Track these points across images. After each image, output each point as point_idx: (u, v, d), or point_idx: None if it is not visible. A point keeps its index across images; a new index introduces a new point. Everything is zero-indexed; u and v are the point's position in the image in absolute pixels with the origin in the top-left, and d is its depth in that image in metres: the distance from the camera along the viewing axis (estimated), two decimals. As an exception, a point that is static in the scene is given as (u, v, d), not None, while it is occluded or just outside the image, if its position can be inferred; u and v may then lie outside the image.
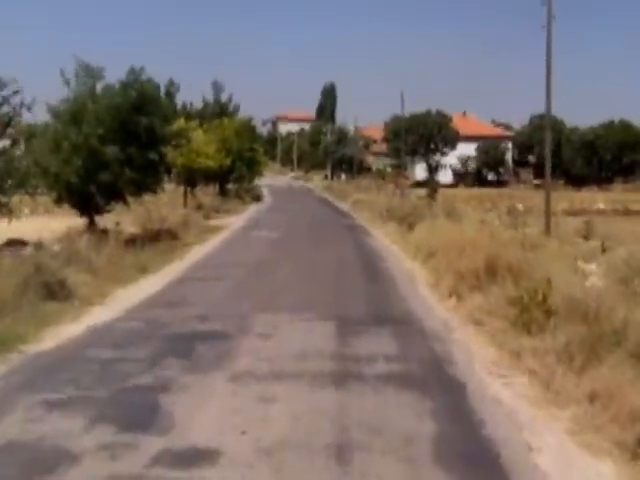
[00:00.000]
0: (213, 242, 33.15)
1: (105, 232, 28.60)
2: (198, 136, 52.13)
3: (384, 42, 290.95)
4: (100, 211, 30.19)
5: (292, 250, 29.51)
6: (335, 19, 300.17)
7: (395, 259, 27.04)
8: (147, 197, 56.41)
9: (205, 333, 14.28)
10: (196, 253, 28.64)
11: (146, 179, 30.15)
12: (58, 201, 29.72)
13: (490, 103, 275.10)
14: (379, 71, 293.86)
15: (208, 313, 16.14)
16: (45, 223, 31.93)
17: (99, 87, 29.87)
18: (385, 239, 34.42)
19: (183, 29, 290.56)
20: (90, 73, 29.59)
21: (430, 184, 76.13)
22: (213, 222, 43.74)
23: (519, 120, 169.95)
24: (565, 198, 76.72)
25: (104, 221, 31.10)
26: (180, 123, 51.12)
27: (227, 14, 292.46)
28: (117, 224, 31.90)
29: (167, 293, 19.39)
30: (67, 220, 30.83)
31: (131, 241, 27.65)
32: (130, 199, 31.19)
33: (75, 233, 29.06)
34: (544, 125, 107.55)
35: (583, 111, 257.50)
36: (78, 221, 30.33)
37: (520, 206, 65.62)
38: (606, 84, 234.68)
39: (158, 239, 29.99)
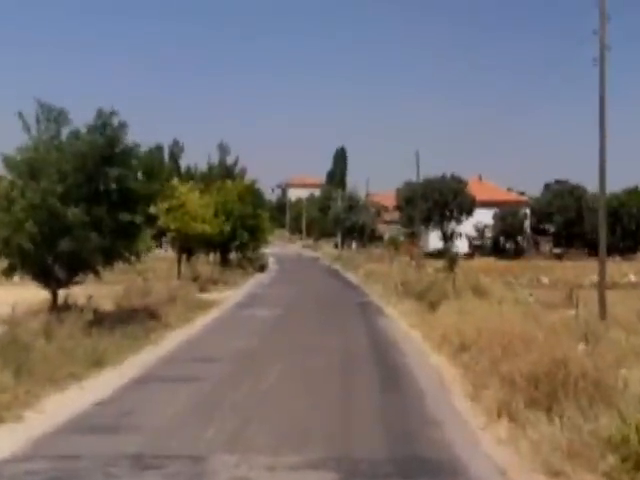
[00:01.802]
0: (199, 323, 28.26)
1: (69, 309, 24.06)
2: (193, 198, 47.43)
3: (396, 107, 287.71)
4: (64, 284, 25.21)
5: (289, 338, 24.35)
6: (346, 82, 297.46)
7: (417, 351, 21.84)
8: (141, 265, 53.14)
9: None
10: (174, 339, 23.71)
11: (118, 246, 25.23)
12: (9, 271, 24.68)
13: (504, 169, 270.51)
14: (391, 135, 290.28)
15: (147, 449, 10.99)
16: (6, 293, 27.64)
17: (64, 134, 25.09)
18: (402, 321, 29.32)
19: (189, 92, 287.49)
20: (53, 117, 24.86)
21: (448, 255, 71.16)
22: (207, 296, 38.92)
23: (532, 187, 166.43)
24: (590, 269, 72.13)
25: (76, 294, 26.50)
26: (173, 183, 46.83)
27: (235, 79, 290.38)
28: (89, 298, 27.29)
29: (110, 404, 14.30)
30: (34, 291, 26.21)
31: (98, 321, 22.77)
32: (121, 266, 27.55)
33: (36, 309, 24.55)
34: (564, 191, 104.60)
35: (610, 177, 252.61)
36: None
37: (545, 279, 61.08)
38: (630, 148, 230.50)
39: (133, 319, 25.13)
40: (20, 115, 24.43)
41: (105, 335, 21.29)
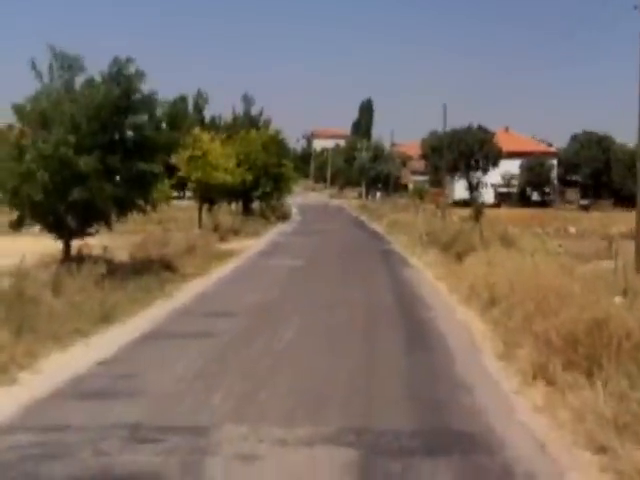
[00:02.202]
0: (218, 274, 27.15)
1: (83, 260, 22.84)
2: (215, 148, 46.28)
3: (423, 58, 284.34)
4: (77, 235, 24.21)
5: (310, 290, 23.29)
6: (373, 34, 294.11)
7: (443, 305, 20.70)
8: (162, 214, 52.33)
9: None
10: (190, 290, 22.67)
11: (132, 196, 24.21)
12: (18, 223, 23.66)
13: (530, 120, 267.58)
14: (417, 87, 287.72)
15: (146, 419, 9.92)
16: (19, 244, 26.27)
17: (78, 82, 23.96)
18: (428, 272, 28.17)
19: (214, 41, 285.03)
20: (67, 64, 23.71)
21: (475, 204, 69.87)
22: (228, 246, 37.89)
23: (559, 139, 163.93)
24: (618, 220, 70.87)
25: (93, 245, 25.72)
26: (195, 133, 45.73)
27: (261, 29, 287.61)
28: (105, 249, 26.34)
29: (114, 364, 13.21)
30: (48, 242, 25.12)
31: (111, 273, 21.76)
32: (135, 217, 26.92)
33: (48, 261, 23.62)
34: (592, 142, 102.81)
35: (632, 126, 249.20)
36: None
37: (572, 229, 59.90)
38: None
39: (148, 270, 24.14)
40: (32, 63, 23.40)
41: (117, 288, 20.24)
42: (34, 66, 23.34)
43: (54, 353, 13.95)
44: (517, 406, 10.91)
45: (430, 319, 18.19)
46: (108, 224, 24.55)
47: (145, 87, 24.23)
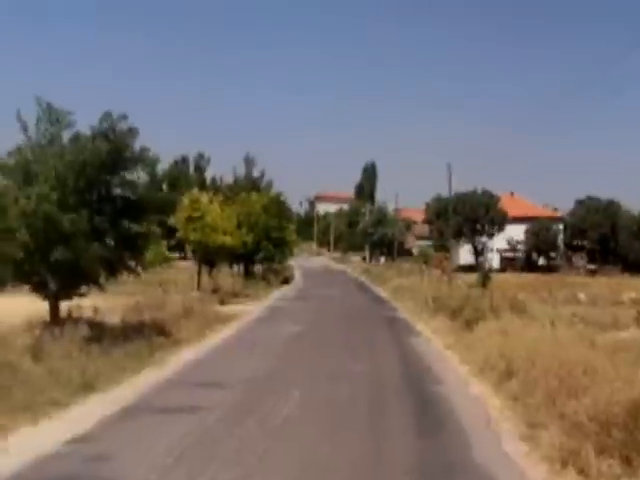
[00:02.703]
0: (214, 340, 25.68)
1: (71, 323, 21.60)
2: (214, 209, 45.06)
3: (427, 123, 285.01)
4: (63, 296, 22.79)
5: (310, 360, 21.72)
6: (377, 99, 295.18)
7: (455, 377, 19.07)
8: (163, 275, 51.03)
9: None
10: (181, 359, 21.13)
11: (122, 257, 22.89)
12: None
13: (534, 185, 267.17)
14: (421, 151, 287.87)
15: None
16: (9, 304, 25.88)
17: (65, 137, 22.70)
18: (436, 340, 26.62)
19: (216, 104, 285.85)
20: (55, 118, 22.49)
21: (482, 269, 68.47)
22: (227, 309, 36.44)
23: (564, 205, 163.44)
24: (627, 286, 69.66)
25: (86, 306, 24.74)
26: (193, 193, 44.67)
27: (263, 95, 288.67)
28: (95, 311, 25.29)
29: (86, 443, 11.63)
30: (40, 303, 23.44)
31: (99, 338, 20.34)
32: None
33: (35, 322, 22.28)
34: (598, 207, 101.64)
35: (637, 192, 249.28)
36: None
37: (582, 296, 58.42)
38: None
39: (140, 334, 22.72)
40: (18, 115, 22.18)
41: (104, 354, 18.96)
42: (19, 118, 22.15)
43: (24, 427, 12.60)
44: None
45: (441, 394, 16.56)
46: (97, 285, 23.19)
47: (137, 144, 23.11)
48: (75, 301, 23.78)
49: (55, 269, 21.14)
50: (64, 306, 23.27)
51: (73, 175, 21.52)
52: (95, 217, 21.39)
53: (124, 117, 22.72)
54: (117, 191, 23.00)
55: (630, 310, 44.92)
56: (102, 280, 23.16)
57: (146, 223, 23.77)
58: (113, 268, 22.98)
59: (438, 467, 10.82)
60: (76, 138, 22.54)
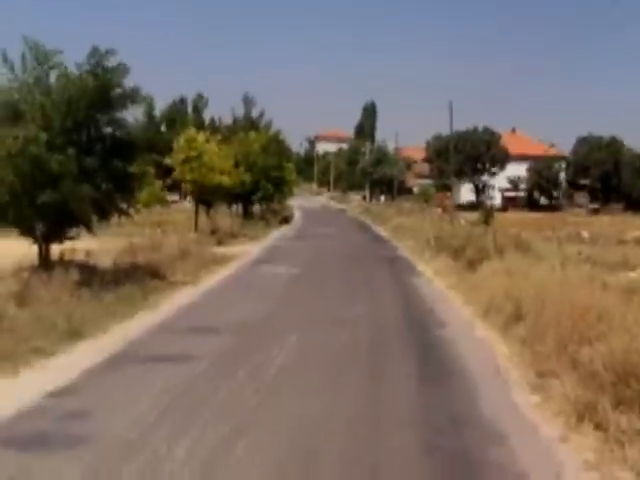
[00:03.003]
0: (210, 282, 24.84)
1: (62, 266, 20.76)
2: (211, 149, 44.05)
3: (427, 61, 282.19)
4: (54, 239, 22.01)
5: (308, 302, 20.87)
6: (377, 37, 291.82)
7: (459, 320, 18.25)
8: (162, 216, 50.33)
9: None
10: (175, 302, 20.34)
11: (113, 198, 22.06)
12: (-14, 226, 21.53)
13: (535, 122, 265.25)
14: (421, 89, 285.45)
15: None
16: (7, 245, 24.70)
17: (53, 76, 21.72)
18: (438, 280, 25.82)
19: (215, 43, 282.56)
20: (42, 57, 21.50)
21: (484, 207, 67.62)
22: (224, 250, 35.61)
23: (566, 141, 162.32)
24: (630, 224, 69.00)
25: (81, 248, 23.93)
26: (189, 133, 43.63)
27: (262, 33, 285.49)
28: (88, 254, 24.50)
29: (67, 396, 10.87)
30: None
31: (89, 282, 19.53)
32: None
33: (27, 266, 21.34)
34: (601, 144, 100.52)
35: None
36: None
37: (585, 234, 57.71)
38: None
39: (134, 277, 21.99)
40: (4, 54, 21.19)
41: (95, 298, 18.22)
42: (5, 58, 21.17)
43: (2, 378, 11.84)
44: (566, 464, 8.52)
45: (445, 339, 15.72)
46: (88, 228, 22.39)
47: (129, 82, 22.15)
48: (70, 244, 22.98)
49: (43, 212, 20.32)
50: (56, 249, 22.46)
51: (60, 114, 20.66)
52: (84, 157, 20.53)
53: (112, 53, 21.73)
54: (107, 130, 22.18)
55: (635, 249, 44.37)
56: (94, 222, 22.46)
57: (138, 163, 23.03)
58: (104, 210, 22.13)
59: (444, 420, 9.99)
60: (63, 76, 21.61)
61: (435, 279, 26.44)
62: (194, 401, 10.61)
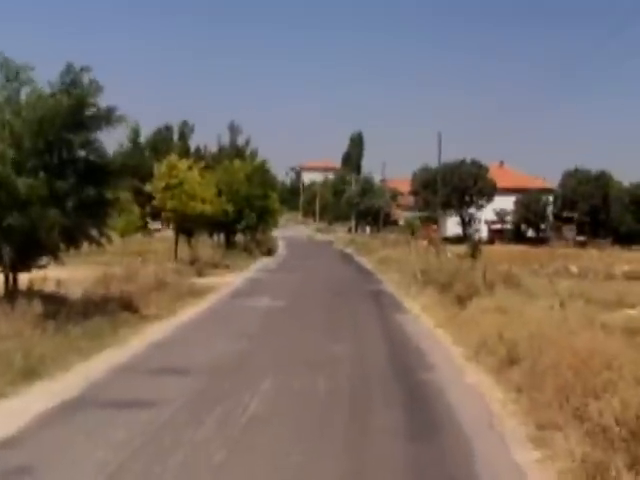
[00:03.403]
0: (185, 316, 23.61)
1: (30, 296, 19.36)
2: (193, 177, 42.86)
3: (415, 92, 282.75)
4: (20, 267, 20.81)
5: (288, 340, 19.63)
6: (364, 67, 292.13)
7: (448, 362, 16.87)
8: (143, 246, 49.13)
9: None
10: (146, 337, 19.09)
11: (83, 225, 20.84)
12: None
13: (524, 156, 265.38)
14: (408, 121, 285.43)
15: None
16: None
17: (24, 94, 20.62)
18: (426, 318, 24.57)
19: (201, 74, 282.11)
20: (12, 73, 20.41)
21: (471, 241, 66.61)
22: (204, 281, 34.47)
23: (553, 176, 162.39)
24: (617, 258, 68.25)
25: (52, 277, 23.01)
26: (171, 159, 42.52)
27: (250, 64, 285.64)
28: (59, 284, 23.54)
29: (9, 450, 9.57)
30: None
31: (55, 314, 18.29)
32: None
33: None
34: (589, 178, 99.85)
35: (634, 165, 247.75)
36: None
37: (574, 269, 56.84)
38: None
39: (104, 309, 20.74)
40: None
41: (60, 332, 16.95)
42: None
43: None
44: None
45: (434, 384, 14.43)
46: (55, 257, 21.19)
47: (103, 102, 21.05)
48: (42, 272, 22.03)
49: (9, 237, 19.14)
50: (25, 278, 21.37)
51: (31, 134, 19.54)
52: (55, 181, 19.36)
53: (87, 70, 20.71)
54: (80, 153, 21.04)
55: (625, 284, 43.39)
56: (62, 251, 21.28)
57: (112, 189, 21.85)
58: (73, 238, 20.95)
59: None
60: (35, 94, 20.49)
61: (422, 316, 25.21)
62: (151, 459, 9.27)
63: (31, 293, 20.56)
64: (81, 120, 20.46)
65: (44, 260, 21.41)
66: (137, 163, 26.05)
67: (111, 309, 21.15)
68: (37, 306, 18.37)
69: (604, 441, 9.12)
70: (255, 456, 9.63)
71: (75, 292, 23.20)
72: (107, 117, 21.04)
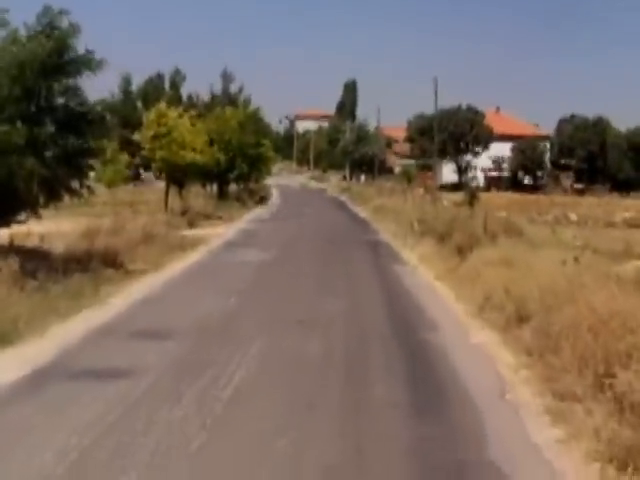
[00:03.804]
0: (172, 270, 22.46)
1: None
2: (183, 125, 41.47)
3: (409, 39, 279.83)
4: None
5: (280, 295, 18.54)
6: (358, 14, 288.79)
7: (451, 320, 15.81)
8: (135, 196, 48.08)
9: None
10: (129, 295, 17.93)
11: (63, 176, 19.66)
12: None
13: (520, 103, 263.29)
14: (403, 68, 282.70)
15: None
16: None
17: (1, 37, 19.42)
18: (424, 270, 23.50)
19: (194, 20, 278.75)
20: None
21: (468, 188, 65.49)
22: (194, 233, 33.35)
23: (548, 120, 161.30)
24: (616, 205, 67.47)
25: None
26: (160, 108, 41.15)
27: (242, 10, 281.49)
28: (41, 239, 22.47)
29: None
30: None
31: (33, 271, 17.14)
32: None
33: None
34: (586, 124, 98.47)
35: (630, 111, 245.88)
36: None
37: (573, 216, 55.96)
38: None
39: (86, 265, 19.59)
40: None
41: (40, 291, 15.86)
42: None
43: None
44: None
45: (436, 345, 13.34)
46: (34, 210, 20.07)
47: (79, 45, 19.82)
48: (27, 226, 21.24)
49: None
50: (5, 233, 20.32)
51: (8, 80, 18.34)
52: (32, 129, 18.18)
53: (66, 12, 19.47)
54: (60, 100, 19.83)
55: (627, 231, 42.47)
56: (43, 204, 20.21)
57: (94, 138, 20.63)
58: (52, 189, 19.78)
59: (445, 474, 7.74)
60: (10, 37, 19.24)
61: (420, 267, 24.16)
62: (118, 447, 8.12)
63: (12, 249, 19.46)
64: (61, 65, 19.27)
65: (23, 215, 20.32)
66: (122, 110, 24.63)
67: (94, 265, 20.00)
68: (14, 263, 17.24)
69: (635, 418, 8.05)
70: (240, 438, 8.53)
71: (59, 247, 22.10)
72: (87, 61, 19.83)
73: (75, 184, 20.58)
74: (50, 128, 18.90)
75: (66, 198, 21.08)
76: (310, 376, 11.23)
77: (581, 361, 10.06)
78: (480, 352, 12.93)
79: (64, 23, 19.38)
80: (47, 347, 12.55)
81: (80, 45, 19.75)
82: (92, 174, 29.31)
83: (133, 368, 11.20)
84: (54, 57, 18.99)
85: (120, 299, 17.40)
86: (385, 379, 11.16)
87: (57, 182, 19.62)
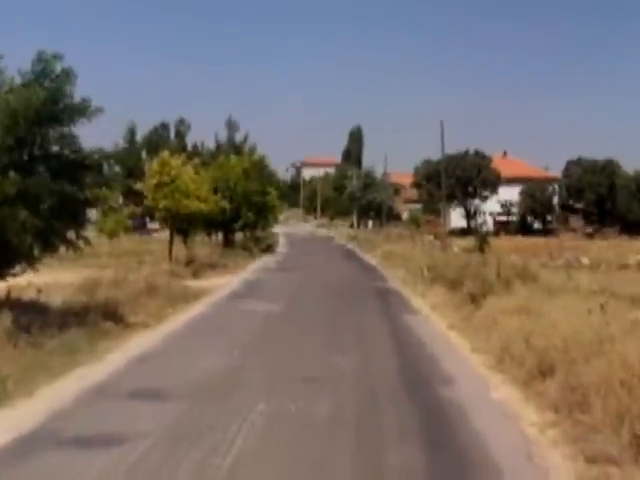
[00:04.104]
0: (174, 324, 21.57)
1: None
2: (186, 173, 40.77)
3: (415, 87, 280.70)
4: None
5: (287, 350, 17.57)
6: (363, 61, 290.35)
7: (468, 373, 14.80)
8: (140, 245, 47.41)
9: None
10: (127, 351, 17.01)
11: (58, 227, 18.89)
12: None
13: (527, 146, 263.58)
14: (408, 116, 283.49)
15: None
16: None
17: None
18: (437, 318, 22.58)
19: (200, 72, 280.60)
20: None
21: (478, 233, 64.74)
22: (199, 283, 32.56)
23: (556, 164, 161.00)
24: (627, 248, 66.57)
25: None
26: (163, 156, 40.53)
27: (248, 60, 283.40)
28: (39, 292, 21.37)
29: None
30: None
31: (27, 326, 16.40)
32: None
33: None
34: (595, 167, 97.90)
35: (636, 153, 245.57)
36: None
37: (585, 260, 55.10)
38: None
39: (83, 319, 18.85)
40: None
41: (34, 346, 15.19)
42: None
43: None
44: None
45: (454, 402, 12.36)
46: (30, 263, 19.28)
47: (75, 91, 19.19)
48: (27, 278, 20.58)
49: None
50: (2, 286, 19.60)
51: (2, 130, 17.67)
52: (26, 179, 17.47)
53: (60, 57, 18.82)
54: (54, 148, 19.15)
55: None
56: (39, 255, 19.39)
57: (90, 187, 19.87)
58: (48, 240, 18.98)
59: None
60: (7, 86, 18.64)
61: (433, 316, 23.26)
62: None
63: (7, 303, 18.69)
64: (55, 113, 18.61)
65: (17, 269, 19.54)
66: (127, 160, 24.02)
67: (93, 319, 19.21)
68: (7, 318, 16.43)
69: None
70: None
71: (58, 300, 21.38)
72: (83, 109, 19.15)
73: (71, 235, 19.82)
74: (43, 177, 18.16)
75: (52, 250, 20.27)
76: (318, 443, 10.21)
77: (615, 418, 9.13)
78: (501, 409, 11.94)
79: (58, 68, 18.75)
80: (35, 410, 11.67)
81: (76, 91, 19.18)
82: (93, 224, 28.69)
83: (127, 434, 10.27)
84: (49, 105, 18.34)
85: (118, 354, 16.56)
86: (399, 444, 10.12)
87: (52, 233, 18.83)
